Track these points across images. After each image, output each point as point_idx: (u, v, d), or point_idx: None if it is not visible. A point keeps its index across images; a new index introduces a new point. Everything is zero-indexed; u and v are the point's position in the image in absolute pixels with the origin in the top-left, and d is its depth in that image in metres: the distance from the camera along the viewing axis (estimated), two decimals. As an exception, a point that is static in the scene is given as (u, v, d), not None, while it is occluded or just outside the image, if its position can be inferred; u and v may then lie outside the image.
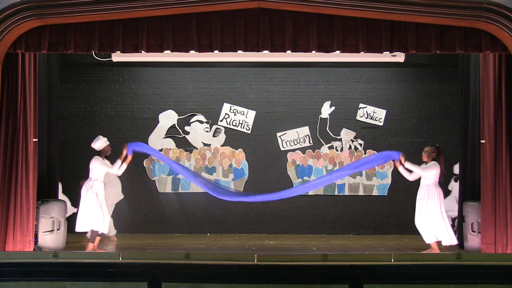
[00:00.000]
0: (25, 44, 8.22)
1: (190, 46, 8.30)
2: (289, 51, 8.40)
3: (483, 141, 8.44)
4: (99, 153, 9.22)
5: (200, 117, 12.38)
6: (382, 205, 12.18)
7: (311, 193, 12.22)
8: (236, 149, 12.33)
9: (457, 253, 6.53)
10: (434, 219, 8.60)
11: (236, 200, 10.07)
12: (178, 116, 12.37)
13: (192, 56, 11.11)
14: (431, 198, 8.66)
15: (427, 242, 8.70)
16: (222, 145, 12.34)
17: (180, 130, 12.35)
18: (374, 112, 12.31)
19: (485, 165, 8.39)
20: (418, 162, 12.15)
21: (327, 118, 12.32)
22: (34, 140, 8.46)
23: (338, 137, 12.31)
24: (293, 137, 12.33)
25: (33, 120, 8.48)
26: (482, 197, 8.39)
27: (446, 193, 10.45)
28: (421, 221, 8.71)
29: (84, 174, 12.11)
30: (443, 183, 9.23)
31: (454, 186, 10.66)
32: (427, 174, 8.78)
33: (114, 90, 12.44)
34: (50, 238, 8.78)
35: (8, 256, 6.79)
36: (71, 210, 10.40)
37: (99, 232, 8.82)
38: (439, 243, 8.67)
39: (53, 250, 7.82)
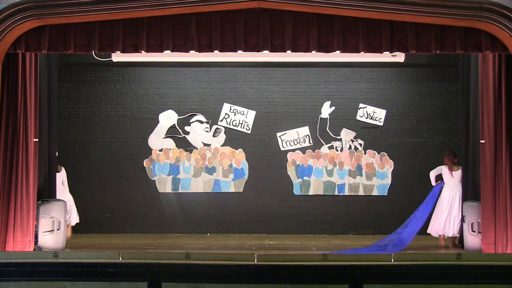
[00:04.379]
0: (25, 44, 8.21)
1: (190, 46, 8.30)
2: (289, 51, 8.40)
3: (483, 141, 8.44)
4: None
5: (200, 117, 12.38)
6: (382, 205, 12.18)
7: (311, 193, 12.23)
8: (236, 149, 12.33)
9: (457, 253, 6.52)
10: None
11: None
12: (178, 116, 12.36)
13: (192, 56, 11.10)
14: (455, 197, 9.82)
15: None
16: (222, 145, 12.34)
17: (180, 130, 12.35)
18: (374, 112, 12.31)
19: (485, 165, 8.39)
20: (418, 161, 12.22)
21: (327, 118, 12.32)
22: (34, 140, 8.46)
23: (338, 137, 12.31)
24: (293, 137, 12.33)
25: (34, 120, 8.48)
26: (482, 197, 8.39)
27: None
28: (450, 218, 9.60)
29: (84, 174, 12.21)
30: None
31: None
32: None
33: (114, 90, 12.43)
34: (50, 238, 8.79)
35: (8, 256, 6.78)
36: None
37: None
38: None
39: (53, 250, 7.81)
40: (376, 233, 12.08)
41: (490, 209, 8.26)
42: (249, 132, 12.35)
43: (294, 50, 8.34)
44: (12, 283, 6.22)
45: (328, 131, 12.30)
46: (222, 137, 12.35)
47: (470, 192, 9.31)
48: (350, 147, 12.29)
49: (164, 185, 12.25)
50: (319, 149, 12.28)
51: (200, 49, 8.35)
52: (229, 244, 10.21)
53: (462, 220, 8.98)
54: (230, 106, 12.35)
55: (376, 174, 12.21)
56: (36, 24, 8.15)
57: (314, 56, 10.72)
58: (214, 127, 12.37)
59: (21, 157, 8.31)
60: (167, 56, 10.70)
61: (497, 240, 8.13)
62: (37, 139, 8.57)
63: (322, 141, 12.30)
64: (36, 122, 8.57)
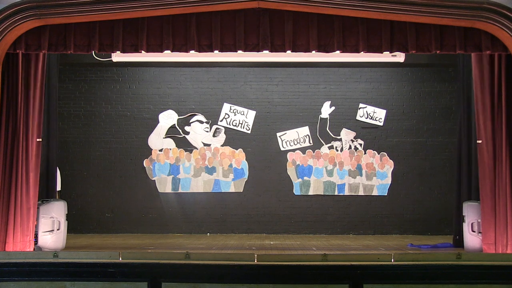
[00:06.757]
0: (25, 44, 8.21)
1: (190, 46, 8.30)
2: (289, 51, 8.39)
3: (480, 141, 8.43)
4: None
5: (200, 117, 12.39)
6: (382, 205, 12.18)
7: (311, 193, 12.23)
8: (236, 149, 12.33)
9: (457, 253, 6.52)
10: None
11: None
12: (178, 116, 12.37)
13: (192, 56, 11.11)
14: None
15: None
16: (222, 145, 12.34)
17: (180, 130, 12.36)
18: (374, 112, 12.31)
19: (482, 165, 8.38)
20: (418, 161, 12.23)
21: (327, 118, 12.33)
22: (38, 140, 8.45)
23: (338, 137, 12.31)
24: (293, 137, 12.33)
25: (37, 120, 8.46)
26: (481, 197, 8.38)
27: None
28: None
29: (84, 174, 12.22)
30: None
31: None
32: None
33: (114, 90, 12.44)
34: (50, 238, 8.78)
35: (8, 256, 6.78)
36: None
37: None
38: None
39: (53, 250, 7.81)
40: (376, 233, 12.10)
41: (489, 209, 8.25)
42: (249, 132, 12.35)
43: (294, 50, 8.34)
44: (12, 283, 6.22)
45: (328, 131, 12.31)
46: (222, 137, 12.36)
47: (469, 192, 9.30)
48: (350, 147, 12.29)
49: (164, 185, 12.26)
50: (319, 149, 12.29)
51: (200, 49, 8.35)
52: (229, 244, 10.20)
53: (462, 220, 8.97)
54: (230, 106, 12.36)
55: (376, 174, 12.21)
56: (36, 24, 8.15)
57: (314, 56, 10.73)
58: (214, 127, 12.37)
59: (21, 157, 8.29)
60: (167, 56, 10.70)
61: (497, 240, 8.12)
62: (41, 139, 8.55)
63: (322, 141, 12.30)
64: (41, 122, 8.55)
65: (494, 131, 8.28)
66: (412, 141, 12.29)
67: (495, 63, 8.32)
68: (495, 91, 8.29)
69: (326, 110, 12.33)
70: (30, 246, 8.24)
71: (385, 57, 11.18)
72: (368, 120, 12.32)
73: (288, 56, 11.12)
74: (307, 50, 8.33)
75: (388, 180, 12.21)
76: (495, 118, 8.28)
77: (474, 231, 8.70)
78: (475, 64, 8.48)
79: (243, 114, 12.35)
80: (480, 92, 8.39)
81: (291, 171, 12.28)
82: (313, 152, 12.29)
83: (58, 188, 10.61)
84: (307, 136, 12.32)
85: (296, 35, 8.27)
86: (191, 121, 12.41)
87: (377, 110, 12.31)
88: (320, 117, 12.33)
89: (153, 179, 12.28)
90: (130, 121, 12.40)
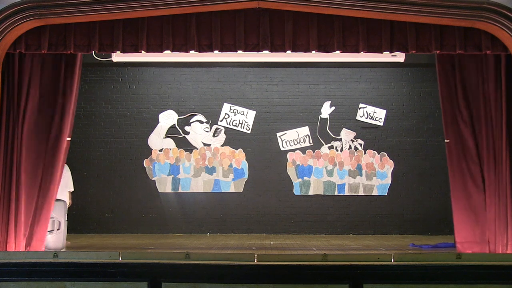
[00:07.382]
0: (25, 44, 8.21)
1: (190, 46, 8.30)
2: (289, 51, 8.40)
3: (447, 141, 8.46)
4: None
5: (200, 117, 12.39)
6: (382, 205, 12.19)
7: (311, 193, 12.23)
8: (236, 149, 12.33)
9: (457, 253, 6.52)
10: None
11: None
12: (178, 116, 12.37)
13: (192, 56, 11.11)
14: None
15: None
16: (222, 145, 12.34)
17: (180, 130, 12.36)
18: (374, 112, 12.31)
19: (451, 164, 8.43)
20: (418, 161, 12.22)
21: (327, 118, 12.33)
22: (67, 139, 8.46)
23: (338, 137, 12.31)
24: (293, 137, 12.33)
25: (70, 121, 8.46)
26: (452, 197, 8.41)
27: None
28: None
29: (84, 174, 12.22)
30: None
31: None
32: None
33: (114, 90, 12.45)
34: (50, 238, 8.78)
35: (8, 256, 6.78)
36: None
37: None
38: None
39: (53, 250, 7.81)
40: (376, 233, 12.10)
41: (462, 208, 8.29)
42: (249, 132, 12.36)
43: (294, 50, 8.34)
44: (12, 283, 6.22)
45: (328, 131, 12.31)
46: (222, 137, 12.36)
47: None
48: (350, 147, 12.30)
49: (164, 185, 12.26)
50: (319, 149, 12.29)
51: (200, 49, 8.35)
52: (229, 244, 10.20)
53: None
54: (230, 106, 12.36)
55: (376, 174, 12.21)
56: (36, 24, 8.15)
57: (314, 56, 10.74)
58: (214, 127, 12.37)
59: (22, 157, 8.29)
60: (167, 56, 10.70)
61: (497, 240, 8.12)
62: (70, 138, 8.54)
63: (322, 141, 12.31)
64: (72, 122, 8.55)
65: (462, 130, 8.33)
66: (412, 141, 12.30)
67: (456, 63, 8.38)
68: (493, 91, 8.30)
69: (326, 110, 12.33)
70: (41, 245, 8.25)
71: (385, 57, 11.18)
72: (368, 120, 12.32)
73: (288, 56, 11.13)
74: (307, 50, 8.33)
75: (388, 180, 12.21)
76: (496, 118, 8.29)
77: (474, 231, 8.68)
78: (438, 64, 8.53)
79: (243, 114, 12.36)
80: (446, 91, 8.44)
81: (291, 171, 12.28)
82: (313, 152, 12.29)
83: (71, 189, 10.37)
84: (307, 136, 12.33)
85: (296, 35, 8.28)
86: (191, 121, 12.41)
87: (377, 110, 12.32)
88: (320, 117, 12.33)
89: (153, 179, 12.28)
90: (130, 121, 12.40)
